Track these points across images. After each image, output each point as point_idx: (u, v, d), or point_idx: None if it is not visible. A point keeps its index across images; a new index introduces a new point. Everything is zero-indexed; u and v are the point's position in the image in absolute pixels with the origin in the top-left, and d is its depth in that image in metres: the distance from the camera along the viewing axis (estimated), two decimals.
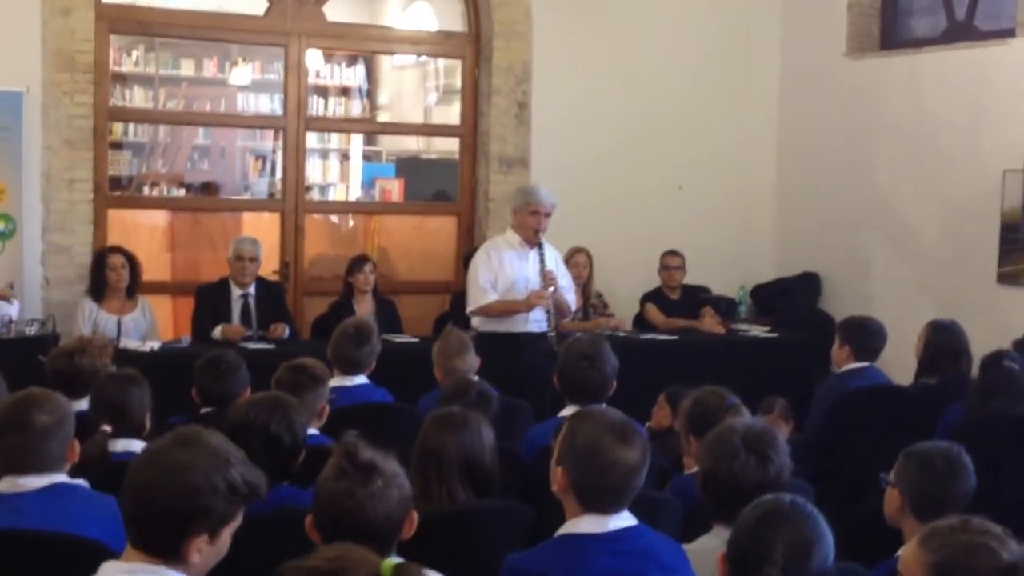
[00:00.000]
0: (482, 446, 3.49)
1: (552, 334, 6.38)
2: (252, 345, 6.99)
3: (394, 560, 2.04)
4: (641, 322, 8.44)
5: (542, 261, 6.45)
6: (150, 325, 7.32)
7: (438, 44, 9.23)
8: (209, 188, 11.06)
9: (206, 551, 2.38)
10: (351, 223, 10.03)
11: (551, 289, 6.40)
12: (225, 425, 3.44)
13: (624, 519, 2.88)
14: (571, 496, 2.87)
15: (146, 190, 10.95)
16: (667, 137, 9.13)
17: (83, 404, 4.42)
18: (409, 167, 11.28)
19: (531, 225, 6.48)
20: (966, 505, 3.25)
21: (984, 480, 3.44)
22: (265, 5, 8.37)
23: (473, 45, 8.78)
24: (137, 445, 4.04)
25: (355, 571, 2.02)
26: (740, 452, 3.15)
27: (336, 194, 11.74)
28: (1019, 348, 5.35)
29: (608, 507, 2.86)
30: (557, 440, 2.95)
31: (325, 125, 11.33)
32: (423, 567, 2.09)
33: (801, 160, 9.45)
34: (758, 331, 8.43)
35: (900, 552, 3.19)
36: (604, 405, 4.43)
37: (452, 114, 9.62)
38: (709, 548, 2.97)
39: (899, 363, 6.58)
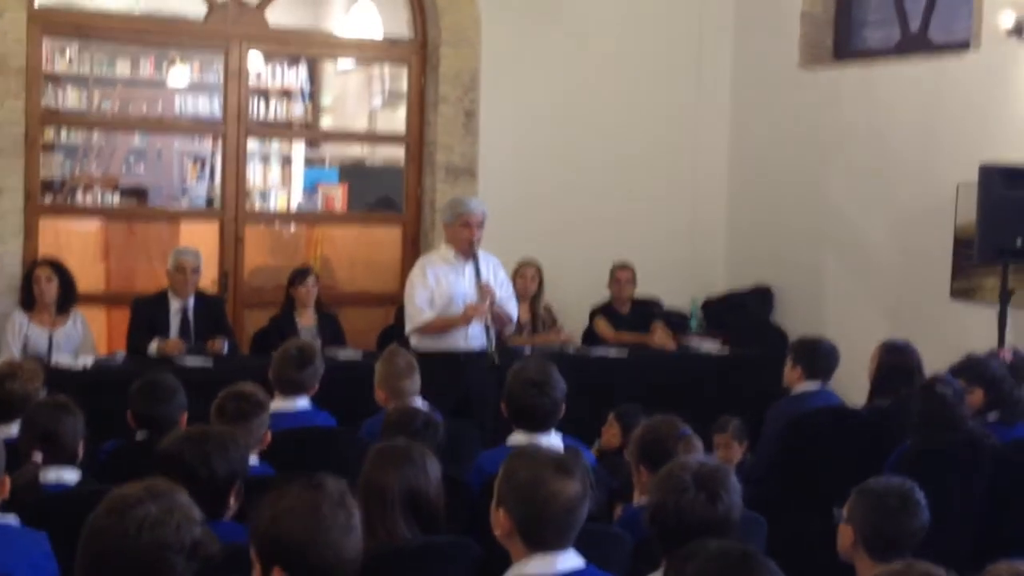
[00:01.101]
0: (427, 480, 3.48)
1: (492, 349, 6.37)
2: (190, 361, 6.94)
3: None
4: (590, 336, 8.46)
5: (478, 273, 6.44)
6: (83, 339, 7.24)
7: (383, 51, 9.22)
8: (145, 193, 10.97)
9: None
10: (292, 228, 10.00)
11: (488, 302, 6.39)
12: (156, 458, 3.42)
13: (571, 559, 2.89)
14: (516, 538, 2.88)
15: (79, 194, 10.82)
16: (617, 147, 9.16)
17: (12, 429, 4.38)
18: (353, 173, 11.24)
19: (465, 237, 6.48)
20: (919, 542, 3.29)
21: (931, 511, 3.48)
22: (205, 9, 8.31)
23: (419, 52, 8.76)
24: (70, 475, 4.01)
25: None
26: (690, 487, 3.16)
27: (277, 200, 11.67)
28: (957, 373, 5.39)
29: (553, 544, 2.87)
30: (495, 484, 2.96)
31: (266, 131, 11.27)
32: None
33: (753, 171, 9.52)
34: (710, 347, 8.48)
35: None
36: (550, 435, 4.47)
37: (398, 118, 9.60)
38: None
39: (852, 377, 6.65)
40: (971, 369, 5.41)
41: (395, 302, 8.44)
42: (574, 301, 8.64)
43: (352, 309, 8.59)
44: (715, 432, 6.22)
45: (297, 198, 11.54)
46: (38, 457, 3.97)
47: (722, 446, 6.18)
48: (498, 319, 6.54)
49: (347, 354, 7.42)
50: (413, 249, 8.77)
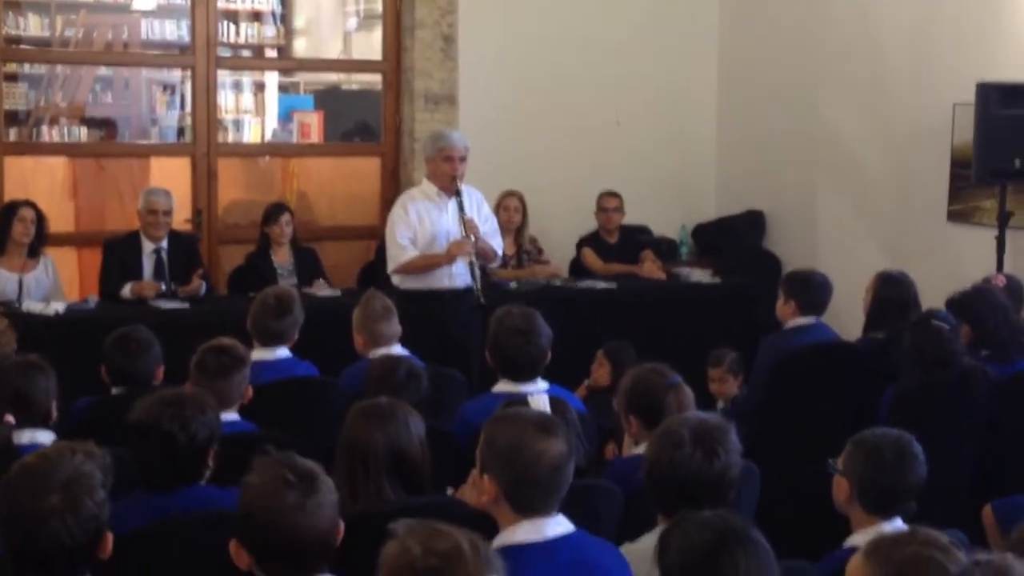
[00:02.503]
0: (411, 439, 3.49)
1: (477, 287, 6.36)
2: (166, 304, 6.92)
3: None
4: (578, 268, 8.46)
5: (461, 209, 6.40)
6: (53, 283, 7.20)
7: None
8: (113, 124, 10.85)
9: None
10: (267, 159, 9.93)
11: (472, 238, 6.36)
12: (131, 426, 3.42)
13: (561, 525, 2.90)
14: (503, 504, 2.89)
15: (45, 128, 10.70)
16: (603, 71, 9.08)
17: None
18: (329, 99, 11.14)
19: (446, 172, 6.42)
20: (916, 495, 3.31)
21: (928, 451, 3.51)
22: None
23: None
24: (44, 436, 4.00)
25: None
26: (686, 443, 3.19)
27: (251, 129, 11.58)
28: (951, 307, 5.40)
29: (541, 507, 2.88)
30: (478, 451, 2.97)
31: (237, 63, 11.15)
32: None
33: (744, 94, 9.45)
34: (701, 276, 8.49)
35: (848, 544, 3.28)
36: (536, 384, 4.47)
37: (374, 41, 9.49)
38: (652, 548, 3.00)
39: (847, 304, 6.67)
40: (956, 304, 5.42)
41: (375, 236, 8.42)
42: (560, 232, 8.62)
43: (331, 244, 8.56)
44: (710, 366, 6.25)
45: (272, 126, 11.46)
46: (10, 419, 3.95)
47: (717, 380, 6.21)
48: (483, 255, 6.52)
49: (326, 292, 7.40)
50: (392, 181, 8.73)
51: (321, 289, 7.44)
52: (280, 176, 9.51)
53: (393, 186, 8.67)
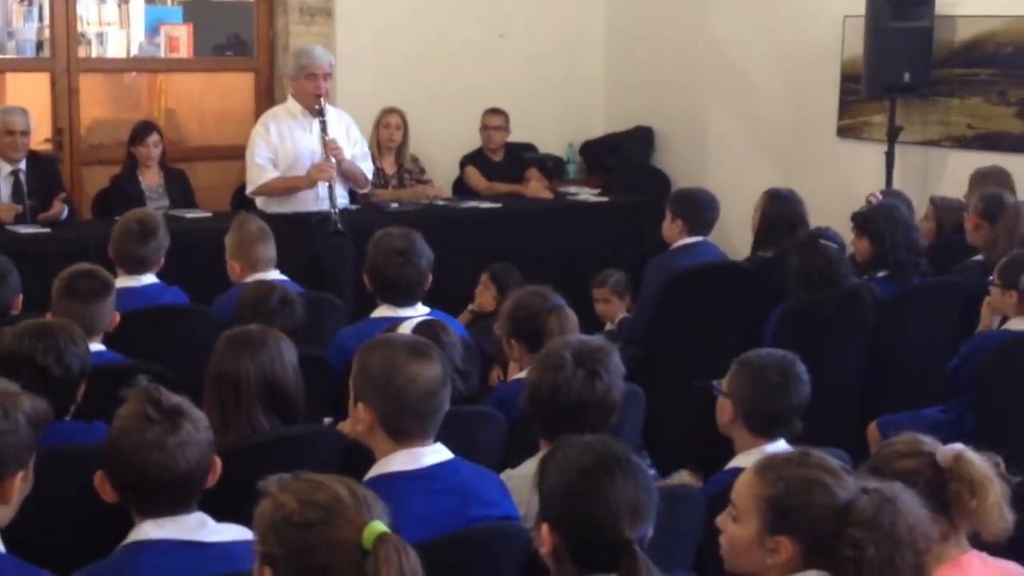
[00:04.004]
0: (284, 367, 3.47)
1: (334, 212, 6.28)
2: (25, 228, 6.76)
3: (380, 527, 2.01)
4: (461, 188, 8.44)
5: (324, 130, 6.31)
6: None
7: None
8: None
9: (22, 488, 2.56)
10: (133, 74, 9.71)
11: (334, 160, 6.28)
12: None
13: (438, 452, 2.92)
14: (378, 432, 2.89)
15: None
16: None
17: None
18: (198, 11, 10.88)
19: (309, 90, 6.32)
20: (800, 415, 3.38)
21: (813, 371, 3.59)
22: None
23: None
24: None
25: (340, 528, 2.00)
26: (568, 365, 3.21)
27: (116, 43, 11.28)
28: (855, 220, 5.51)
29: (417, 433, 2.89)
30: (351, 380, 2.96)
31: None
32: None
33: (633, 8, 9.44)
34: (588, 194, 8.51)
35: (732, 465, 3.34)
36: (416, 308, 4.47)
37: None
38: (533, 474, 3.03)
39: (736, 222, 6.77)
40: (859, 218, 5.52)
41: None
42: (443, 151, 8.57)
43: (202, 164, 8.41)
44: (594, 287, 6.28)
45: (138, 40, 11.18)
46: None
47: (602, 301, 6.24)
48: (350, 178, 6.44)
49: (196, 214, 7.31)
50: (267, 98, 8.58)
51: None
52: (147, 93, 9.31)
53: (268, 103, 8.49)
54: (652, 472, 4.70)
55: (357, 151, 6.52)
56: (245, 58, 9.00)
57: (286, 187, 6.30)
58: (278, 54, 8.59)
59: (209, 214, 7.33)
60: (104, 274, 4.27)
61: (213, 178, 8.36)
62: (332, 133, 6.30)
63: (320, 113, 6.29)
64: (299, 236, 6.18)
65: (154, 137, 7.49)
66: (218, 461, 2.70)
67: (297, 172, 6.31)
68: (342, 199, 6.40)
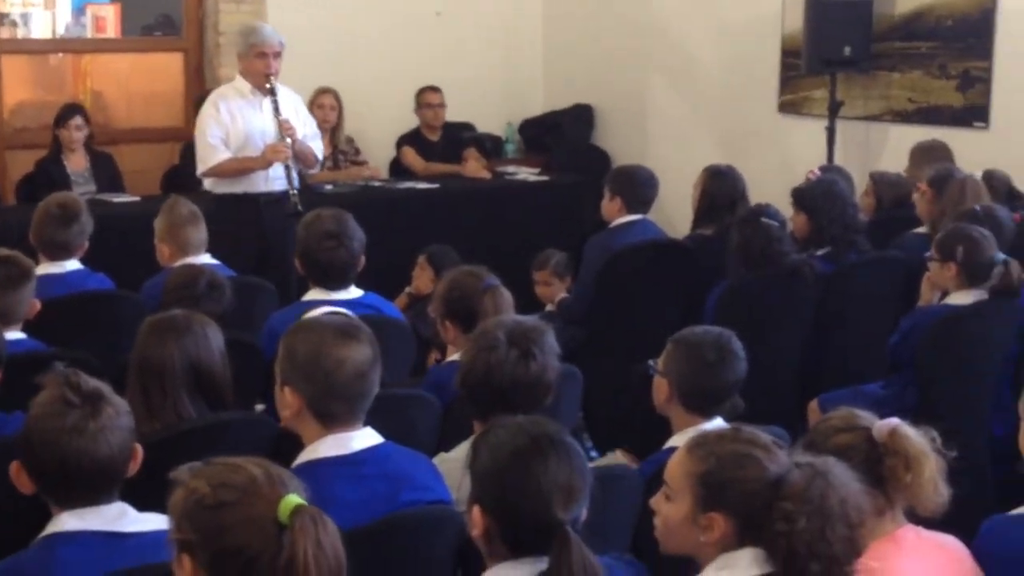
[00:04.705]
0: (210, 352, 3.42)
1: (294, 192, 6.26)
2: None
3: (296, 499, 1.99)
4: (398, 168, 8.43)
5: (276, 109, 6.27)
6: None
7: None
8: None
9: None
10: (58, 56, 9.59)
11: (289, 140, 6.25)
12: None
13: (368, 437, 2.90)
14: (307, 417, 2.87)
15: None
16: None
17: None
18: None
19: (259, 70, 6.27)
20: (736, 393, 3.39)
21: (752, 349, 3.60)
22: None
23: None
24: None
25: (255, 506, 1.99)
26: (501, 345, 3.20)
27: (40, 24, 11.12)
28: (794, 195, 5.54)
29: (347, 419, 2.87)
30: (276, 364, 2.94)
31: None
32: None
33: None
34: (527, 173, 8.51)
35: (668, 445, 3.35)
36: (349, 291, 4.44)
37: None
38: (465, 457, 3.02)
39: (676, 201, 6.78)
40: (797, 194, 5.55)
41: (179, 138, 8.25)
42: (378, 131, 8.55)
43: (130, 147, 8.37)
44: (535, 269, 6.28)
45: (63, 20, 11.03)
46: None
47: (542, 283, 6.24)
48: (302, 159, 6.41)
49: (124, 198, 7.23)
50: (197, 78, 8.53)
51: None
52: (73, 75, 9.21)
53: (197, 84, 8.47)
54: (593, 454, 4.75)
55: (308, 131, 6.49)
56: (174, 38, 8.93)
57: (240, 168, 6.25)
58: (208, 34, 8.53)
59: (138, 198, 7.28)
60: (23, 260, 4.21)
61: (142, 161, 8.31)
62: (283, 113, 6.26)
63: (271, 92, 6.25)
64: (249, 216, 6.18)
65: (77, 120, 7.41)
66: (139, 449, 2.66)
67: (248, 152, 6.26)
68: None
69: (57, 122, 7.43)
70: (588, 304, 5.72)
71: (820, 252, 5.34)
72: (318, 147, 6.61)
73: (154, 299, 4.54)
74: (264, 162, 6.22)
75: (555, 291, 6.19)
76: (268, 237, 6.22)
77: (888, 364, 4.75)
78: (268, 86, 6.27)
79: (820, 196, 5.44)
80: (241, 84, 6.38)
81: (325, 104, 7.95)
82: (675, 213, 7.24)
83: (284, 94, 6.38)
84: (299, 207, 6.15)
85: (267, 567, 1.95)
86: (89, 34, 10.10)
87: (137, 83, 9.08)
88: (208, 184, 6.37)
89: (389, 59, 8.76)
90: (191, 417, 3.37)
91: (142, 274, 5.18)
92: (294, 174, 6.28)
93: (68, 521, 2.51)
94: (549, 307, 6.16)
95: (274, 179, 6.30)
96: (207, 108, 6.36)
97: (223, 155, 6.24)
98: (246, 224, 6.17)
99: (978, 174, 5.54)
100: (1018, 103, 7.01)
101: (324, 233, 4.41)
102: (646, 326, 5.31)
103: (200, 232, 5.21)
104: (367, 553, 2.67)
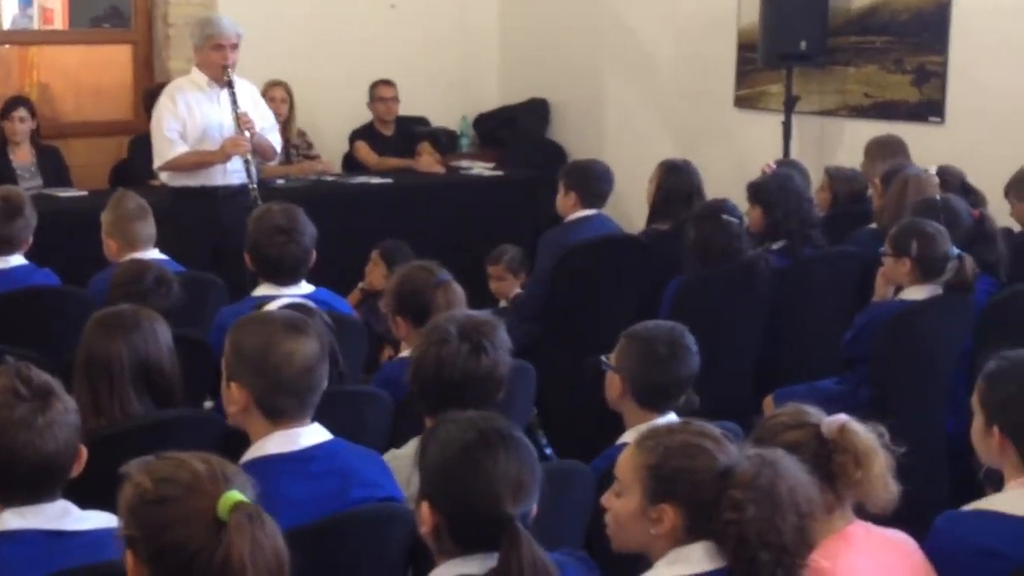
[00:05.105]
0: (159, 348, 3.42)
1: (253, 186, 6.24)
2: None
3: (236, 496, 1.99)
4: (351, 163, 8.41)
5: (234, 102, 6.25)
6: None
7: None
8: None
9: None
10: (5, 47, 9.50)
11: (248, 133, 6.23)
12: None
13: (316, 433, 2.89)
14: (254, 413, 2.86)
15: None
16: None
17: None
18: None
19: (217, 62, 6.25)
20: (689, 387, 3.41)
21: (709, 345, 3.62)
22: None
23: None
24: None
25: (195, 501, 1.98)
26: (452, 339, 3.20)
27: None
28: (749, 189, 5.57)
29: (294, 414, 2.86)
30: (223, 359, 2.93)
31: None
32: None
33: None
34: (481, 168, 8.52)
35: (621, 440, 3.36)
36: (300, 286, 4.43)
37: None
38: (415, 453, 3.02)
39: (632, 195, 6.79)
40: (753, 188, 5.58)
41: (127, 132, 8.21)
42: (331, 125, 8.53)
43: (78, 141, 8.29)
44: (489, 264, 6.29)
45: (11, 12, 10.95)
46: None
47: (497, 278, 6.25)
48: (260, 152, 6.39)
49: (71, 192, 7.20)
50: (146, 71, 8.48)
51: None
52: (19, 67, 9.12)
53: (147, 77, 8.42)
54: (548, 451, 4.75)
55: (266, 123, 6.48)
56: (122, 30, 8.86)
57: (198, 162, 6.23)
58: (157, 25, 8.49)
59: (85, 193, 7.23)
60: None
61: (90, 155, 8.25)
62: (241, 105, 6.23)
63: (229, 85, 6.22)
64: (206, 210, 6.16)
65: (22, 111, 7.37)
66: (84, 450, 2.65)
67: (206, 145, 6.23)
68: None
69: (1, 114, 7.37)
70: (543, 300, 5.73)
71: (776, 246, 5.38)
72: (276, 139, 6.60)
73: (101, 295, 4.51)
74: (223, 156, 6.20)
75: (509, 286, 6.20)
76: (226, 231, 6.18)
77: (843, 360, 4.78)
78: (226, 78, 6.24)
79: (776, 190, 5.47)
80: (197, 76, 6.35)
81: (276, 97, 7.91)
82: (631, 208, 7.25)
83: (241, 86, 6.36)
84: (259, 201, 6.12)
85: (205, 564, 1.95)
86: (36, 26, 10.03)
87: (85, 76, 9.01)
88: (164, 178, 6.34)
89: (342, 52, 8.73)
90: (139, 414, 3.36)
91: (89, 270, 5.15)
92: (253, 168, 6.28)
93: (9, 520, 2.49)
94: (503, 303, 6.17)
95: (232, 172, 6.28)
96: (163, 101, 6.33)
97: (180, 149, 6.21)
98: (203, 218, 6.15)
99: (932, 169, 5.59)
100: (973, 98, 7.08)
101: (274, 228, 4.40)
102: (601, 322, 5.32)
103: (148, 227, 5.18)
104: (315, 551, 2.67)
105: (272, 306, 3.55)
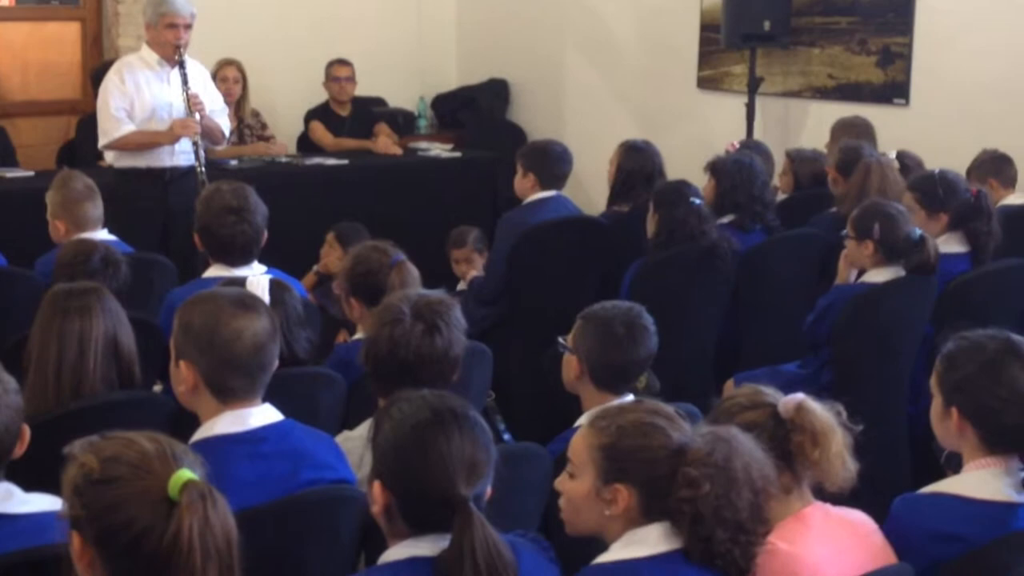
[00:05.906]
0: (120, 325, 3.43)
1: (202, 169, 6.22)
2: None
3: (187, 474, 1.98)
4: (306, 144, 8.39)
5: (185, 82, 6.22)
6: None
7: None
8: None
9: None
10: None
11: (198, 115, 6.21)
12: None
13: (267, 413, 2.89)
14: (203, 393, 2.85)
15: None
16: None
17: None
18: None
19: (169, 40, 6.22)
20: (648, 368, 3.43)
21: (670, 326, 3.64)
22: None
23: None
24: None
25: (144, 481, 1.98)
26: (406, 318, 3.20)
27: None
28: (712, 168, 5.61)
29: (244, 393, 2.86)
30: (171, 338, 2.92)
31: None
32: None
33: None
34: (440, 150, 8.52)
35: (577, 423, 3.37)
36: (252, 267, 4.42)
37: None
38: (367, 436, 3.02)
39: (593, 177, 6.80)
40: (711, 164, 5.62)
41: (75, 111, 8.16)
42: (285, 105, 8.51)
43: (24, 121, 8.26)
44: (453, 247, 6.28)
45: None
46: None
47: (463, 261, 6.25)
48: (209, 134, 6.36)
49: (17, 173, 7.15)
50: (95, 49, 8.44)
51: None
52: None
53: (95, 55, 8.38)
54: (506, 436, 4.77)
55: (216, 106, 6.46)
56: (71, 7, 8.80)
57: (146, 142, 6.21)
58: (106, 3, 8.45)
59: (32, 173, 7.18)
60: None
61: (36, 135, 8.21)
62: (192, 86, 6.20)
63: (181, 65, 6.19)
64: (153, 192, 6.15)
65: None
66: (27, 429, 2.64)
67: (153, 125, 6.21)
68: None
69: None
70: (501, 283, 5.73)
71: (725, 220, 5.41)
72: (224, 123, 6.57)
73: (48, 276, 4.50)
74: (172, 137, 6.18)
75: (477, 267, 6.19)
76: (173, 213, 6.17)
77: (805, 343, 4.82)
78: (177, 58, 6.22)
79: (730, 163, 5.53)
80: (148, 54, 6.32)
81: (229, 77, 7.88)
82: (593, 190, 7.28)
83: (192, 67, 6.33)
84: (206, 183, 6.11)
85: (154, 544, 1.95)
86: None
87: (32, 54, 8.92)
88: (110, 158, 6.31)
89: (297, 30, 8.71)
90: (93, 394, 3.35)
91: (35, 251, 5.14)
92: (201, 150, 6.24)
93: None
94: (461, 285, 6.17)
95: (180, 153, 6.27)
96: (111, 77, 6.29)
97: (127, 127, 6.19)
98: (150, 200, 6.13)
99: (892, 153, 5.63)
100: (938, 80, 7.13)
101: (224, 207, 4.37)
102: (561, 304, 5.32)
103: (96, 208, 5.16)
104: (266, 533, 2.68)
105: (254, 282, 3.54)
